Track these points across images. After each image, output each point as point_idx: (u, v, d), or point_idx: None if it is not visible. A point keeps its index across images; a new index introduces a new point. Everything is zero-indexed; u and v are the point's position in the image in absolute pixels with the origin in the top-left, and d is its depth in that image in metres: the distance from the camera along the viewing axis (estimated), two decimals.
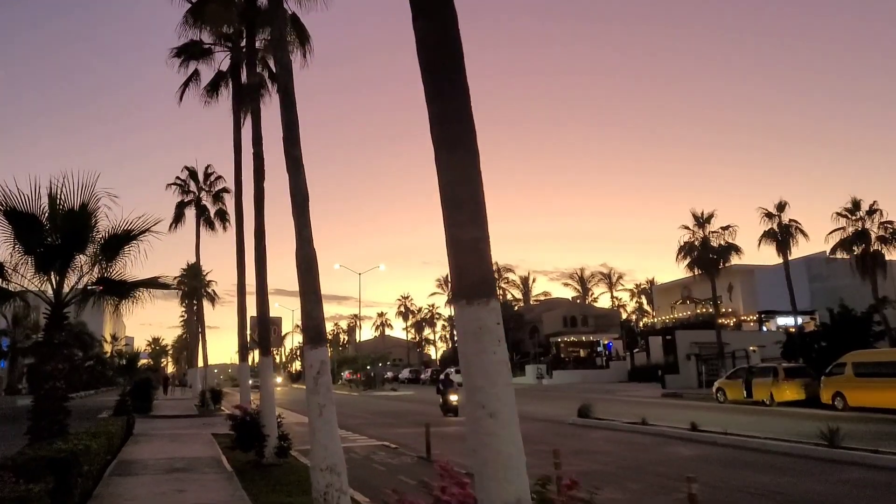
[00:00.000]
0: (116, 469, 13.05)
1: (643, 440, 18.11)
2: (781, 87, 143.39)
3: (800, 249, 38.07)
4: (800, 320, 52.98)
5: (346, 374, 77.66)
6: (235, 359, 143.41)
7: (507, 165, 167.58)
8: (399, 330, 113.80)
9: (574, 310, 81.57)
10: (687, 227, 39.03)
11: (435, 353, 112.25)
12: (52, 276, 10.97)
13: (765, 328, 54.72)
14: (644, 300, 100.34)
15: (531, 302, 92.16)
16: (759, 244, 36.77)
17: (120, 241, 11.28)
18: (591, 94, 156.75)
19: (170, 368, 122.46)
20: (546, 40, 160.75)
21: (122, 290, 11.50)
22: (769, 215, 36.50)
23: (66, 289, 11.10)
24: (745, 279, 59.63)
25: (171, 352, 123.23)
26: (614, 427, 21.20)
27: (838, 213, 34.21)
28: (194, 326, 56.93)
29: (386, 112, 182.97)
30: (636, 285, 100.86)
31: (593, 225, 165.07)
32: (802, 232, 36.41)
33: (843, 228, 34.31)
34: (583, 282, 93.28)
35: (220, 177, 37.91)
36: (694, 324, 55.45)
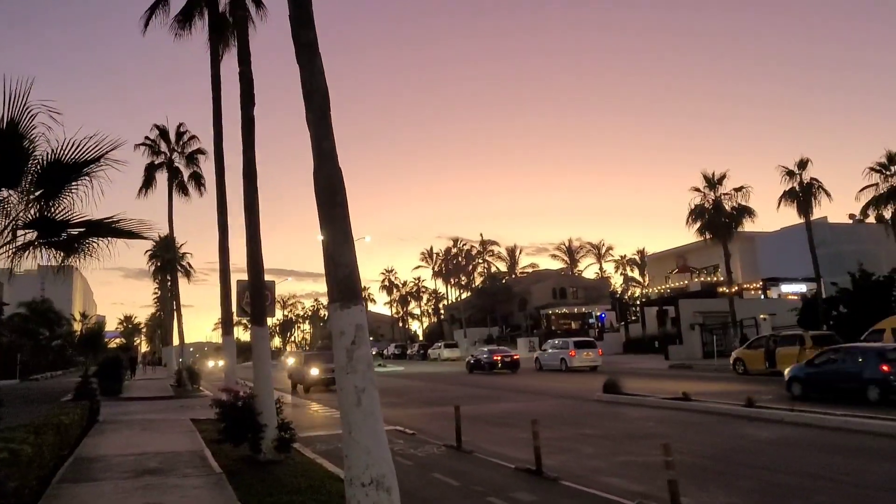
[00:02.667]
0: (71, 471, 10.22)
1: (698, 420, 15.62)
2: (793, 31, 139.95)
3: (822, 210, 35.80)
4: (804, 287, 51.26)
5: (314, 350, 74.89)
6: (212, 337, 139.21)
7: (495, 141, 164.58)
8: (381, 305, 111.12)
9: (563, 281, 79.42)
10: (698, 189, 36.55)
11: (420, 327, 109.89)
12: None
13: (766, 296, 52.79)
14: (629, 271, 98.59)
15: (517, 274, 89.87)
16: (779, 204, 34.44)
17: (65, 171, 8.34)
18: (577, 69, 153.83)
19: (143, 347, 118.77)
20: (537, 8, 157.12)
21: (69, 240, 8.57)
22: (790, 173, 34.07)
23: None
24: (744, 246, 57.55)
25: (144, 330, 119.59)
26: (652, 404, 18.72)
27: (871, 169, 31.87)
28: (168, 303, 53.75)
29: (370, 88, 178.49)
30: (621, 256, 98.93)
31: (581, 199, 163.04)
32: (825, 191, 34.11)
33: (876, 185, 31.99)
34: (570, 253, 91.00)
35: (194, 136, 34.58)
36: (695, 293, 53.38)
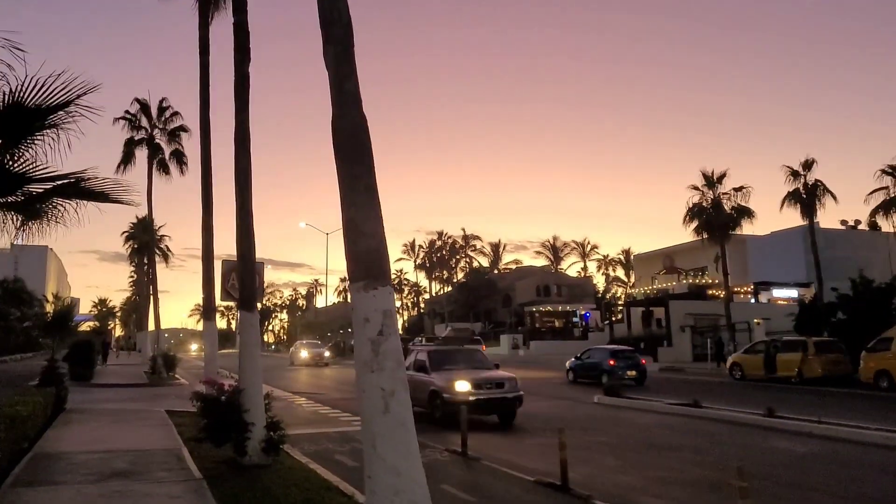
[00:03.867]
0: (27, 471, 8.86)
1: (715, 429, 14.53)
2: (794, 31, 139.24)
3: (826, 213, 35.03)
4: (795, 293, 50.68)
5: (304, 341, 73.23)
6: (188, 323, 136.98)
7: (479, 137, 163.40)
8: None
9: (547, 279, 78.45)
10: (696, 188, 35.53)
11: (402, 319, 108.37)
12: None
13: (757, 300, 52.10)
14: (612, 270, 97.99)
15: (500, 270, 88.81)
16: (782, 206, 33.56)
17: (27, 118, 6.98)
18: (566, 66, 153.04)
19: (118, 332, 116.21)
20: (528, 10, 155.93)
21: (29, 200, 7.21)
22: (794, 174, 33.18)
23: None
24: (734, 249, 56.84)
25: (119, 314, 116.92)
26: (659, 410, 17.63)
27: (883, 171, 30.97)
28: (145, 286, 51.92)
29: (368, 78, 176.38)
30: (604, 256, 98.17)
31: (565, 199, 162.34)
32: (831, 194, 33.22)
33: (887, 188, 31.08)
34: (555, 251, 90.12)
35: (177, 112, 32.92)
36: (683, 294, 52.59)
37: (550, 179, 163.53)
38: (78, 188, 7.32)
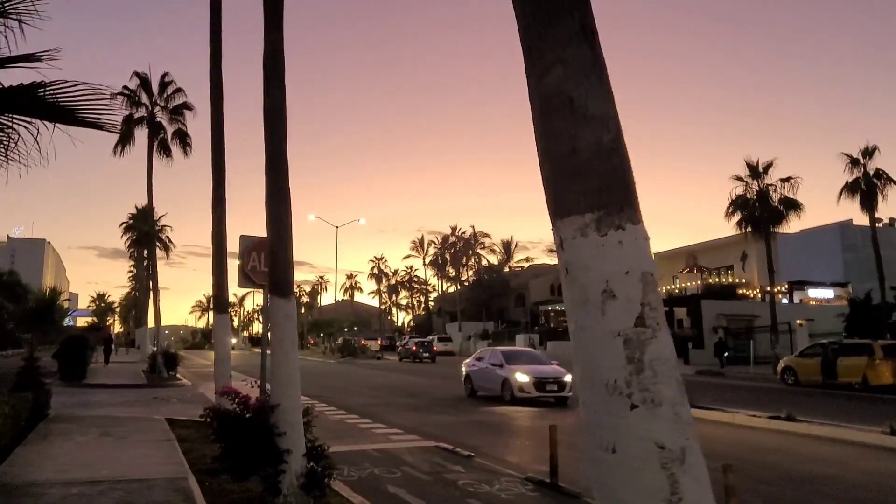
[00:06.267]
0: None
1: (833, 452, 11.92)
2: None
3: (888, 206, 32.50)
4: (832, 293, 48.14)
5: (309, 339, 70.85)
6: (189, 320, 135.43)
7: (489, 135, 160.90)
8: (365, 294, 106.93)
9: None
10: (740, 178, 32.84)
11: (405, 319, 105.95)
12: None
13: (791, 300, 49.49)
14: None
15: (511, 268, 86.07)
16: (840, 198, 30.95)
17: None
18: None
19: (117, 328, 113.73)
20: None
21: None
22: (854, 162, 30.57)
23: None
24: (761, 248, 54.34)
25: (118, 310, 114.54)
26: (743, 423, 15.03)
27: None
28: (144, 280, 49.39)
29: (369, 76, 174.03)
30: None
31: None
32: (894, 182, 30.52)
33: None
34: None
35: (179, 89, 30.26)
36: (712, 293, 49.94)
37: None
38: (37, 100, 4.75)
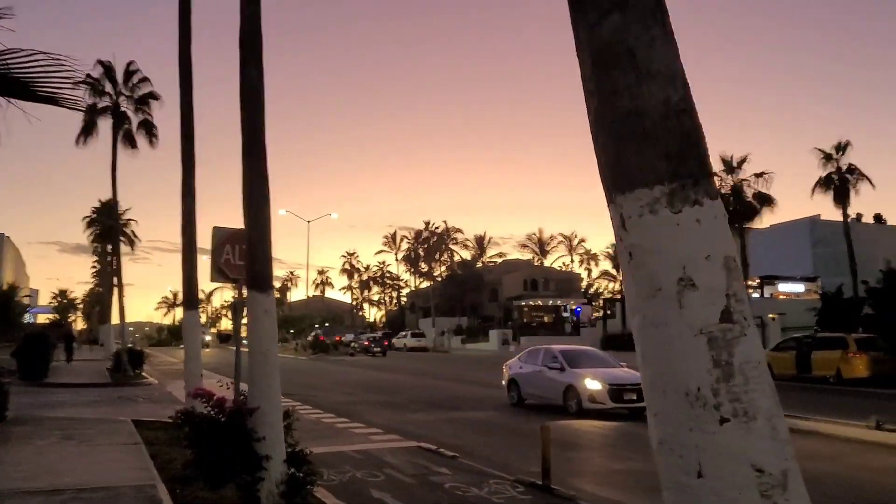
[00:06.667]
0: None
1: (812, 447, 11.76)
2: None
3: (861, 200, 32.75)
4: (802, 287, 48.69)
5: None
6: (153, 317, 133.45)
7: (461, 132, 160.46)
8: (337, 290, 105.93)
9: (535, 273, 75.90)
10: (714, 174, 32.81)
11: (376, 315, 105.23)
12: None
13: (762, 295, 49.97)
14: (593, 265, 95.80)
15: (484, 263, 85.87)
16: (813, 193, 31.18)
17: None
18: (546, 53, 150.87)
19: (80, 325, 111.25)
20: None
21: None
22: (827, 157, 30.80)
23: None
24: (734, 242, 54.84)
25: (81, 307, 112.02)
26: None
27: None
28: (108, 276, 48.06)
29: (339, 72, 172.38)
30: (586, 251, 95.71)
31: (550, 194, 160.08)
32: (868, 179, 30.88)
33: None
34: (541, 244, 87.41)
35: (145, 78, 29.22)
36: None
37: (534, 175, 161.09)
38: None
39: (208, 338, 69.40)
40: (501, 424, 14.63)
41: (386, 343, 53.54)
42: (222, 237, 9.27)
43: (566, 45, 2.32)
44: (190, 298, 12.04)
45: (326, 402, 18.16)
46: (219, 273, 9.27)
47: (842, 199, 31.09)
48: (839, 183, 30.71)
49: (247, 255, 7.04)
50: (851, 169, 31.09)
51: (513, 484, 8.68)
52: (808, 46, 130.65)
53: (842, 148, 30.91)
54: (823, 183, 31.32)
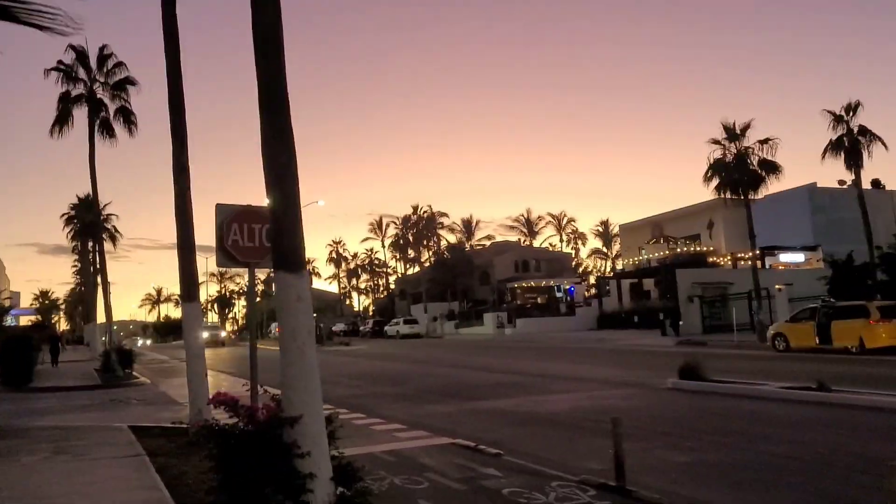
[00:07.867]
0: None
1: (883, 422, 10.76)
2: None
3: (874, 165, 31.91)
4: (802, 257, 48.06)
5: (275, 326, 68.32)
6: (138, 314, 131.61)
7: (445, 117, 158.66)
8: (323, 280, 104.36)
9: (526, 254, 74.86)
10: (717, 142, 31.85)
11: (364, 303, 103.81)
12: None
13: (763, 265, 49.24)
14: (582, 243, 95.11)
15: (473, 245, 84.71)
16: (824, 156, 30.16)
17: None
18: (536, 37, 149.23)
19: (63, 325, 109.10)
20: None
21: None
22: (837, 119, 29.78)
23: None
24: (728, 215, 53.94)
25: (63, 307, 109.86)
26: (771, 396, 13.87)
27: None
28: (91, 274, 46.39)
29: (329, 62, 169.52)
30: (573, 230, 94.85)
31: (537, 175, 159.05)
32: (881, 140, 29.86)
33: None
34: (529, 224, 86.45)
35: (121, 63, 27.63)
36: (683, 262, 49.31)
37: (521, 158, 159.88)
38: None
39: (223, 334, 63.40)
40: (530, 413, 13.49)
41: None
42: (228, 216, 8.01)
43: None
44: (189, 290, 10.73)
45: (334, 396, 16.92)
46: (226, 256, 8.02)
47: (854, 162, 30.10)
48: (850, 146, 29.73)
49: (272, 228, 5.79)
50: (863, 130, 30.11)
51: (580, 486, 7.54)
52: (812, 4, 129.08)
53: (852, 108, 29.90)
54: (834, 146, 30.31)
